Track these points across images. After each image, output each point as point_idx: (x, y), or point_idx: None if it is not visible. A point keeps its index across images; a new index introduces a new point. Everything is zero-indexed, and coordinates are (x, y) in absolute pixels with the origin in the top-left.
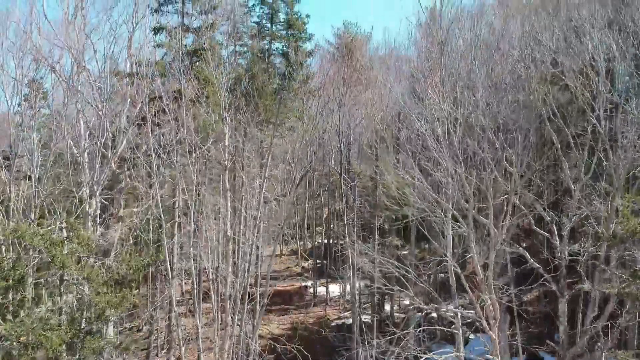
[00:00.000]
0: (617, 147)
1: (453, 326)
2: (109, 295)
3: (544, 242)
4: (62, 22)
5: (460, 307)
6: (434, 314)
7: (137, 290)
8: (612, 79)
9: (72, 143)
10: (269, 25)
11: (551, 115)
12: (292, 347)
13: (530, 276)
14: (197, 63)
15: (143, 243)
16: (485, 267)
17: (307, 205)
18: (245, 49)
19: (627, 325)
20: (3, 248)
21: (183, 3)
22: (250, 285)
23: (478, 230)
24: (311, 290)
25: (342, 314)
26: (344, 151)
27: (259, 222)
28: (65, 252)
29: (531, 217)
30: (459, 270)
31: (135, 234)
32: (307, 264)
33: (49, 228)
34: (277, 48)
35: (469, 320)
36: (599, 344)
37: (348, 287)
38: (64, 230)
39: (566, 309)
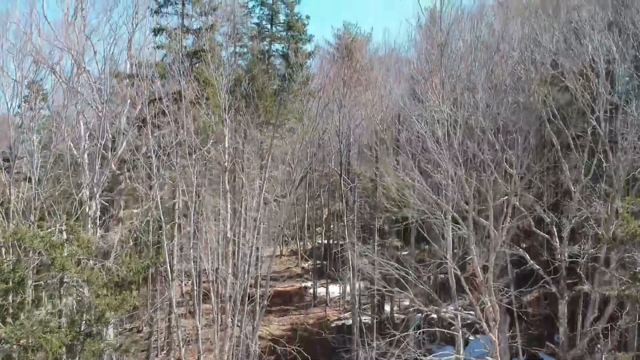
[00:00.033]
0: (617, 148)
1: (453, 327)
2: (108, 297)
3: (544, 243)
4: (62, 23)
5: (460, 309)
6: (434, 315)
7: (137, 292)
8: (612, 81)
9: (72, 144)
10: (269, 26)
11: (551, 117)
12: (292, 349)
13: (530, 277)
14: (197, 65)
15: (143, 244)
16: (485, 269)
17: (307, 205)
18: (245, 50)
19: (627, 327)
20: (3, 250)
21: (183, 4)
22: (250, 286)
23: (478, 232)
24: (311, 291)
25: (342, 315)
26: (344, 152)
27: (259, 224)
28: (65, 254)
29: (531, 218)
30: (458, 273)
31: (135, 235)
32: (307, 264)
33: (49, 230)
34: (277, 49)
35: (468, 322)
36: (598, 345)
37: (348, 288)
38: (64, 233)
39: (566, 311)
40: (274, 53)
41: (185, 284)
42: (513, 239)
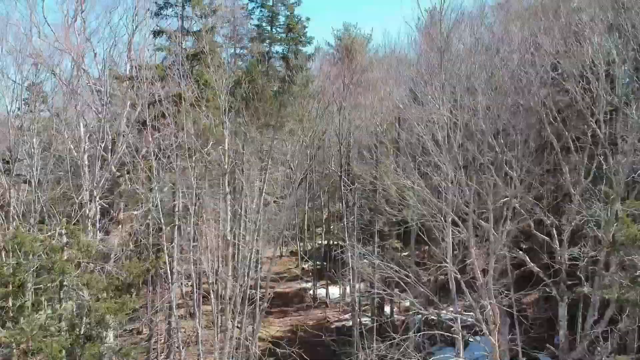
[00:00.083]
0: (617, 151)
1: (453, 329)
2: (108, 301)
3: (544, 245)
4: (62, 25)
5: (460, 310)
6: (434, 317)
7: (137, 295)
8: (612, 83)
9: (72, 146)
10: (269, 28)
11: (551, 120)
12: (293, 351)
13: (530, 278)
14: (197, 67)
15: (143, 246)
16: (485, 271)
17: (307, 206)
18: (245, 51)
19: (627, 330)
20: (3, 253)
21: (183, 7)
22: (250, 287)
23: (478, 234)
24: (311, 292)
25: (342, 316)
26: (344, 154)
27: (259, 226)
28: (65, 258)
29: (531, 220)
30: (458, 276)
31: (135, 238)
32: (307, 265)
33: (49, 234)
34: (277, 51)
35: (468, 323)
36: (598, 348)
37: (348, 289)
38: (64, 237)
39: (566, 313)
40: (274, 55)
41: (185, 286)
42: (513, 240)
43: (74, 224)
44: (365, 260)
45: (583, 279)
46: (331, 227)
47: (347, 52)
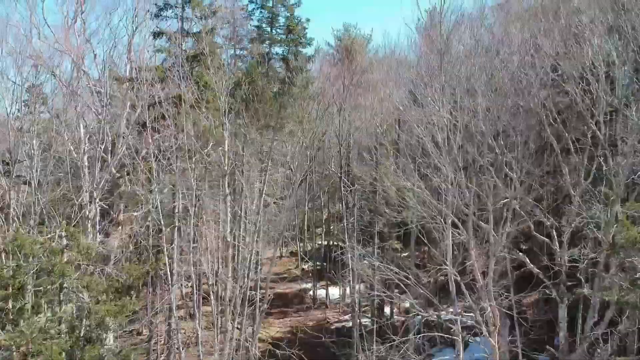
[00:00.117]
0: (616, 152)
1: (452, 330)
2: (108, 304)
3: (544, 246)
4: (62, 26)
5: (460, 312)
6: (434, 317)
7: (137, 297)
8: (612, 84)
9: (72, 148)
10: (269, 29)
11: (551, 121)
12: (293, 353)
13: (530, 278)
14: (197, 68)
15: (143, 248)
16: (484, 273)
17: (307, 207)
18: (245, 52)
19: (627, 332)
20: (3, 255)
21: (183, 8)
22: (250, 288)
23: (478, 235)
24: (311, 292)
25: (342, 317)
26: (344, 155)
27: (259, 227)
28: (65, 260)
29: (531, 222)
30: (458, 278)
31: (135, 240)
32: (307, 266)
33: (49, 236)
34: (277, 53)
35: (468, 324)
36: (598, 350)
37: (348, 290)
38: (64, 239)
39: (566, 315)
40: (274, 56)
41: (185, 287)
42: (513, 241)
43: (74, 226)
44: (365, 262)
45: (583, 280)
46: (331, 228)
47: (347, 52)
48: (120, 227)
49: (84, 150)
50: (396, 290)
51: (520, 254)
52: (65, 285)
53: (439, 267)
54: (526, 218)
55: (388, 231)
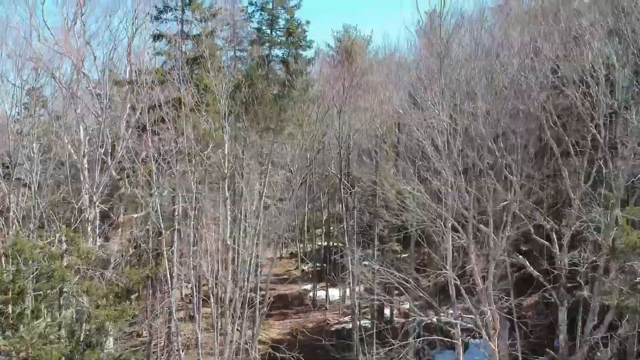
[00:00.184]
0: (616, 155)
1: (452, 332)
2: (108, 308)
3: (544, 249)
4: (62, 28)
5: (460, 313)
6: (434, 317)
7: (137, 301)
8: (611, 88)
9: (72, 150)
10: (269, 31)
11: (551, 124)
12: (293, 356)
13: (529, 280)
14: (197, 71)
15: (143, 251)
16: (484, 278)
17: (307, 208)
18: (245, 54)
19: (627, 336)
20: (3, 260)
21: (183, 11)
22: (250, 289)
23: (478, 239)
24: (311, 294)
25: (342, 319)
26: (344, 157)
27: (259, 230)
28: (65, 264)
29: (531, 226)
30: (458, 282)
31: (135, 243)
32: (306, 267)
33: (49, 241)
34: (277, 55)
35: (469, 326)
36: (598, 354)
37: (348, 291)
38: (64, 243)
39: (566, 318)
40: (274, 58)
41: (185, 288)
42: (513, 244)
43: (74, 229)
44: (365, 263)
45: (583, 283)
46: (331, 229)
47: (347, 54)
48: (120, 230)
49: (83, 152)
50: (396, 292)
51: (520, 257)
52: (65, 289)
53: (438, 272)
54: (526, 222)
55: (388, 234)
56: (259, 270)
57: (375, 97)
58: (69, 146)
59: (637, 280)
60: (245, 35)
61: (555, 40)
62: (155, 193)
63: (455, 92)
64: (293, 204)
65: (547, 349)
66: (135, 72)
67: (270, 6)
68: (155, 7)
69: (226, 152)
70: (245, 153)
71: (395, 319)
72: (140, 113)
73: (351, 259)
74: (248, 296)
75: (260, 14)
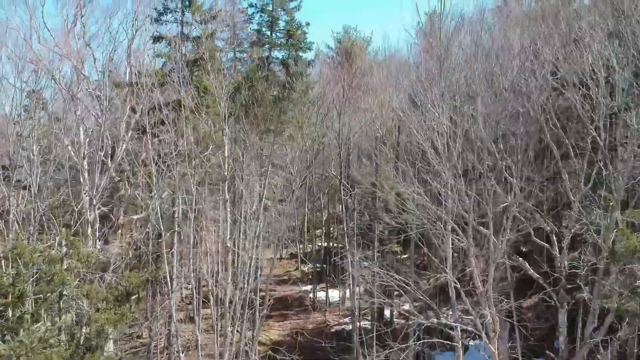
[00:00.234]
0: (616, 157)
1: (452, 333)
2: (108, 312)
3: (543, 250)
4: (62, 30)
5: (460, 314)
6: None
7: (137, 305)
8: (611, 91)
9: (72, 152)
10: (268, 32)
11: (551, 126)
12: (293, 358)
13: (529, 282)
14: (197, 72)
15: (143, 253)
16: (484, 281)
17: (307, 209)
18: (245, 55)
19: (627, 338)
20: (3, 263)
21: (183, 13)
22: (250, 291)
23: (478, 240)
24: (311, 295)
25: (342, 320)
26: (344, 158)
27: (259, 233)
28: (65, 267)
29: (531, 227)
30: (458, 286)
31: (135, 246)
32: (306, 268)
33: (49, 244)
34: (276, 57)
35: (469, 327)
36: (598, 356)
37: (348, 292)
38: (64, 247)
39: (566, 320)
40: (274, 60)
41: (185, 289)
42: (512, 245)
43: (74, 231)
44: (365, 266)
45: (583, 286)
46: (331, 229)
47: (347, 55)
48: (120, 231)
49: (83, 154)
50: (396, 293)
51: (520, 259)
52: (65, 293)
53: (437, 276)
54: (526, 224)
55: (388, 236)
56: (259, 272)
57: (375, 99)
58: (69, 148)
59: (637, 284)
60: (245, 36)
61: (555, 42)
62: (155, 195)
63: (455, 94)
64: (293, 206)
65: (547, 351)
66: (135, 74)
67: (270, 8)
68: (155, 9)
69: (226, 154)
70: (245, 155)
71: (395, 320)
72: (140, 115)
73: (351, 261)
74: (248, 298)
75: (260, 16)
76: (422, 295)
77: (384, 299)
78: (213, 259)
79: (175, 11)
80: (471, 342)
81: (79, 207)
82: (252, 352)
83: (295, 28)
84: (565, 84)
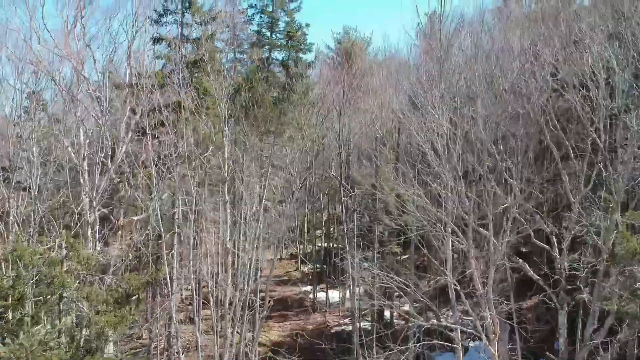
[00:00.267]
0: (616, 159)
1: (452, 335)
2: (108, 314)
3: (543, 252)
4: (62, 31)
5: (460, 316)
6: (434, 321)
7: (137, 307)
8: (611, 92)
9: (72, 153)
10: (268, 33)
11: (552, 127)
12: (292, 359)
13: (530, 282)
14: (197, 74)
15: (143, 254)
16: (484, 283)
17: (306, 209)
18: (245, 56)
19: (627, 340)
20: (2, 265)
21: (183, 14)
22: (250, 292)
23: (478, 242)
24: (311, 295)
25: (342, 321)
26: (344, 159)
27: (259, 234)
28: (65, 269)
29: (531, 228)
30: (458, 288)
31: (135, 248)
32: (306, 268)
33: (49, 246)
34: (276, 58)
35: (469, 329)
36: (598, 358)
37: (348, 293)
38: (64, 249)
39: (566, 321)
40: (274, 61)
41: (185, 289)
42: (512, 246)
43: (74, 233)
44: (365, 265)
45: (583, 287)
46: (331, 230)
47: (347, 55)
48: (120, 233)
49: (83, 156)
50: (395, 294)
51: (520, 260)
52: (65, 295)
53: (437, 278)
54: (526, 225)
55: (388, 238)
56: (259, 273)
57: (375, 100)
58: (69, 149)
59: (637, 286)
60: (245, 37)
61: (555, 43)
62: (155, 196)
63: (455, 95)
64: (293, 207)
65: (547, 353)
66: (135, 75)
67: (270, 9)
68: (155, 10)
69: (226, 156)
70: (245, 156)
71: (395, 321)
72: (140, 116)
73: (351, 262)
74: (248, 299)
75: (260, 17)
76: (422, 297)
77: (384, 300)
78: (213, 260)
79: (175, 12)
80: (471, 344)
81: (79, 208)
82: (252, 353)
83: (295, 29)
84: (565, 86)
